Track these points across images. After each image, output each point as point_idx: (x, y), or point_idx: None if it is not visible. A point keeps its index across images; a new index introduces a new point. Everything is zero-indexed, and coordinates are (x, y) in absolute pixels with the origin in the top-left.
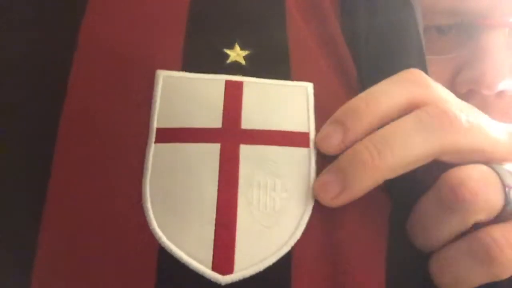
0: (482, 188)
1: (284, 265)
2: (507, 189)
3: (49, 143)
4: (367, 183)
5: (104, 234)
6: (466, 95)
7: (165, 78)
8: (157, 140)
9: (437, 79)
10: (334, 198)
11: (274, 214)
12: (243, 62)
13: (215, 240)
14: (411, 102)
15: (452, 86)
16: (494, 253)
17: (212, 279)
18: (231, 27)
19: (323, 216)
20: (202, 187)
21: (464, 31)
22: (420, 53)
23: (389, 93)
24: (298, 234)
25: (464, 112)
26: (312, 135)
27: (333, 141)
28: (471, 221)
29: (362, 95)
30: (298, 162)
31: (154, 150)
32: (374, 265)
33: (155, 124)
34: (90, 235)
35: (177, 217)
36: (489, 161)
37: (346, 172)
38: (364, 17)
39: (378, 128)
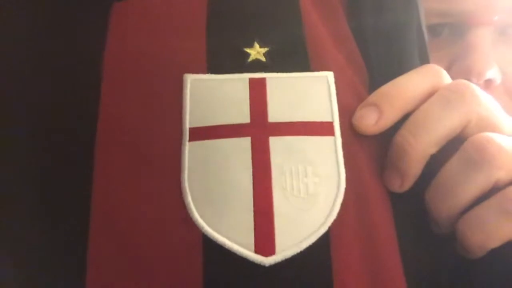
0: (504, 146)
1: (323, 244)
2: None
3: (88, 150)
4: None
5: (151, 231)
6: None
7: (192, 81)
8: (191, 139)
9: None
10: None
11: (309, 198)
12: (264, 59)
13: (255, 225)
14: (435, 86)
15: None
16: None
17: (256, 261)
18: (249, 25)
19: (355, 198)
20: (238, 178)
21: (454, 30)
22: (424, 50)
23: (416, 81)
24: (334, 215)
25: (481, 92)
26: (336, 124)
27: (369, 121)
28: (496, 176)
29: (393, 82)
30: (326, 149)
31: (188, 148)
32: (393, 246)
33: (187, 124)
34: (138, 234)
35: (216, 207)
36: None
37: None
38: (371, 15)
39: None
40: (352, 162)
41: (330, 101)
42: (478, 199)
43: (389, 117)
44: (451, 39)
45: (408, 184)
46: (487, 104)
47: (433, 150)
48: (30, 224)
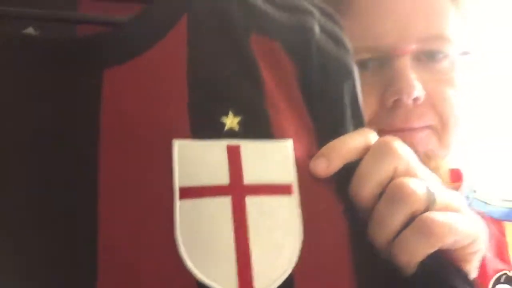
0: (417, 187)
1: (289, 283)
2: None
3: (91, 204)
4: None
5: (151, 281)
6: (393, 107)
7: (180, 146)
8: (181, 197)
9: (369, 98)
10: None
11: (278, 247)
12: (237, 128)
13: (238, 272)
14: (368, 143)
15: (381, 101)
16: (432, 227)
17: None
18: (223, 95)
19: (313, 245)
20: (222, 232)
21: (380, 62)
22: (359, 113)
23: (354, 139)
24: (295, 260)
25: (400, 145)
26: (295, 184)
27: (322, 168)
28: (412, 209)
29: (338, 139)
30: (288, 206)
31: (179, 205)
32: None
33: (177, 184)
34: (140, 283)
35: (206, 257)
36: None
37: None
38: (317, 82)
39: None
40: (310, 215)
41: (290, 165)
42: (402, 227)
43: (336, 164)
44: (379, 70)
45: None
46: (406, 156)
47: (377, 192)
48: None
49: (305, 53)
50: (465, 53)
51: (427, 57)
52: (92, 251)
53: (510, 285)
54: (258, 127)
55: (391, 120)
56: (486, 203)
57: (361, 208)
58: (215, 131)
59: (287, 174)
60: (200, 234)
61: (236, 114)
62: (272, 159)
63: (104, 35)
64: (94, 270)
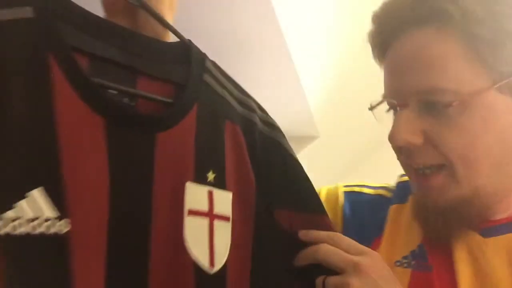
0: None
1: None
2: None
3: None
4: None
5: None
6: (398, 149)
7: (188, 186)
8: (188, 215)
9: None
10: None
11: (225, 245)
12: (213, 180)
13: (209, 254)
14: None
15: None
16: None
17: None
18: (210, 160)
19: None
20: (204, 234)
21: (396, 110)
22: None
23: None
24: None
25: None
26: (230, 217)
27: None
28: None
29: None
30: (227, 228)
31: (187, 220)
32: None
33: (186, 207)
34: None
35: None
36: None
37: None
38: (260, 153)
39: None
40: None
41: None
42: None
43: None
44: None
45: None
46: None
47: None
48: None
49: (252, 134)
50: (464, 100)
51: (431, 108)
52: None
53: None
54: (222, 182)
55: (402, 158)
56: None
57: None
58: (204, 180)
59: (228, 210)
60: (196, 234)
61: (213, 172)
62: (224, 201)
63: (157, 112)
64: None
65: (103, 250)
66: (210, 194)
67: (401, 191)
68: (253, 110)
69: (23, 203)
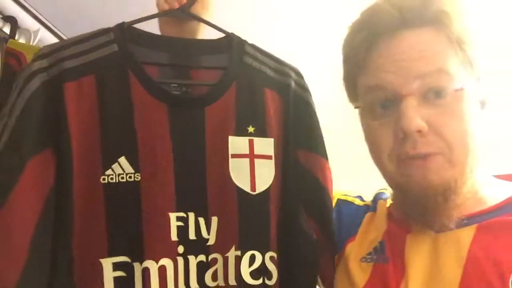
0: None
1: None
2: None
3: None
4: None
5: None
6: (404, 138)
7: (231, 140)
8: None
9: (387, 132)
10: None
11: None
12: (253, 132)
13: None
14: None
15: (395, 134)
16: None
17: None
18: (249, 120)
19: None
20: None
21: (394, 103)
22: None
23: None
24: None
25: None
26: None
27: None
28: None
29: None
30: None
31: (231, 161)
32: None
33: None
34: None
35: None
36: None
37: None
38: (293, 109)
39: None
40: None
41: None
42: None
43: None
44: (393, 109)
45: None
46: None
47: None
48: None
49: (287, 94)
50: (461, 89)
51: (433, 96)
52: None
53: None
54: (263, 132)
55: (404, 148)
56: None
57: None
58: (245, 133)
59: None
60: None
61: (253, 126)
62: (265, 145)
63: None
64: None
65: (171, 188)
66: (251, 142)
67: (375, 202)
68: (288, 76)
69: (115, 165)
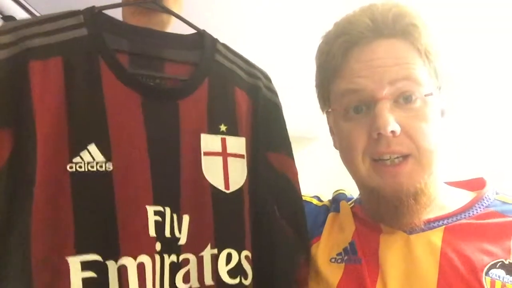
0: None
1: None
2: None
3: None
4: None
5: None
6: (378, 138)
7: (203, 138)
8: (204, 155)
9: (361, 133)
10: None
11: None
12: (225, 130)
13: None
14: None
15: (369, 134)
16: None
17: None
18: (220, 116)
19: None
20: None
21: (367, 107)
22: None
23: None
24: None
25: None
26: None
27: None
28: None
29: None
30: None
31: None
32: None
33: (202, 150)
34: None
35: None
36: None
37: None
38: (262, 111)
39: None
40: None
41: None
42: None
43: None
44: (367, 112)
45: None
46: None
47: None
48: None
49: (256, 96)
50: (430, 94)
51: (403, 101)
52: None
53: (504, 270)
54: (235, 131)
55: (377, 148)
56: (505, 202)
57: None
58: (217, 131)
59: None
60: (211, 167)
61: (225, 125)
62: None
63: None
64: None
65: (147, 179)
66: (224, 140)
67: (336, 202)
68: (257, 78)
69: (84, 152)
